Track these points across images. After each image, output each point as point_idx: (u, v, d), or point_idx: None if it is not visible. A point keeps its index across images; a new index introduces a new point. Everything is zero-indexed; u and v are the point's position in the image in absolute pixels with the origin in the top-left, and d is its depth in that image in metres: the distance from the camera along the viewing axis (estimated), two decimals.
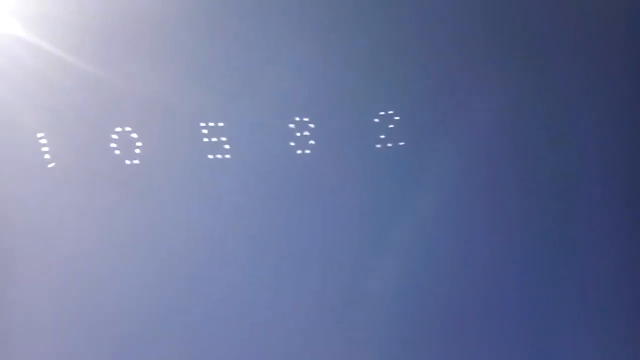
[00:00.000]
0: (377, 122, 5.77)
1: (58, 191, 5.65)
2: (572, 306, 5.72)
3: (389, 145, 5.79)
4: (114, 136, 5.68)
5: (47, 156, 5.63)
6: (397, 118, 5.77)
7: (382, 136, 5.77)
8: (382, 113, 5.77)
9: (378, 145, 5.79)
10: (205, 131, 5.71)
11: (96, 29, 5.61)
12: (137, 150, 5.71)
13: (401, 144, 5.79)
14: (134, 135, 5.71)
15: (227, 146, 5.73)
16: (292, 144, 5.76)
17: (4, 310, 5.58)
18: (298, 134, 5.75)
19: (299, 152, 5.77)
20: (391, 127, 5.77)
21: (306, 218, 5.75)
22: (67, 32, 5.57)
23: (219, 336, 5.76)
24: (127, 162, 5.71)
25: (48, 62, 5.53)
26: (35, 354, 5.57)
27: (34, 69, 5.53)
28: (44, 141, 5.62)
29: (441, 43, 5.82)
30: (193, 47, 5.68)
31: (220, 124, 5.72)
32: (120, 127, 5.69)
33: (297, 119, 5.74)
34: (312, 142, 5.77)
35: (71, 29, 5.51)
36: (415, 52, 5.79)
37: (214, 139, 5.72)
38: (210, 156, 5.74)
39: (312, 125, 5.76)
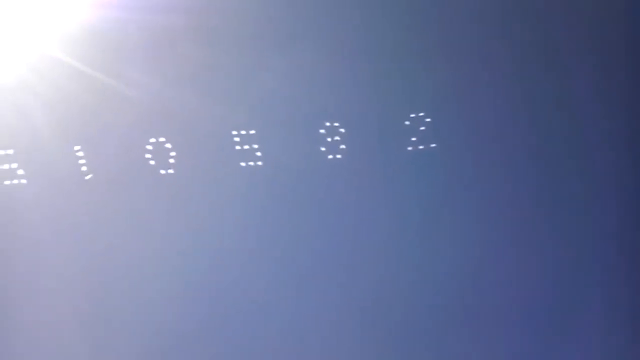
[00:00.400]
0: (408, 125, 5.77)
1: (95, 202, 5.76)
2: (576, 307, 5.65)
3: (421, 147, 5.77)
4: (149, 147, 5.78)
5: (84, 168, 5.75)
6: (428, 120, 5.76)
7: (414, 138, 5.77)
8: (413, 115, 5.76)
9: (409, 148, 5.79)
10: (237, 139, 5.78)
11: (127, 44, 5.73)
12: (172, 160, 5.80)
13: (432, 145, 5.78)
14: (168, 146, 5.80)
15: (258, 153, 5.78)
16: (323, 149, 5.79)
17: (30, 316, 5.69)
18: (329, 139, 5.78)
19: (330, 157, 5.79)
20: (422, 130, 5.76)
21: (338, 222, 5.76)
22: (99, 50, 5.70)
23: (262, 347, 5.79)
24: (162, 171, 5.80)
25: (82, 79, 5.67)
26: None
27: (69, 86, 5.67)
28: (80, 154, 5.74)
29: (472, 44, 5.80)
30: (223, 57, 5.76)
31: (252, 132, 5.78)
32: (155, 138, 5.79)
33: (328, 124, 5.77)
34: (343, 146, 5.79)
35: (102, 45, 5.65)
36: (445, 53, 5.78)
37: (246, 147, 5.78)
38: (243, 163, 5.80)
39: (342, 130, 5.78)
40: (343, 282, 5.80)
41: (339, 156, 5.78)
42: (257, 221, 5.79)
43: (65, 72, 5.63)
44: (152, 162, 5.79)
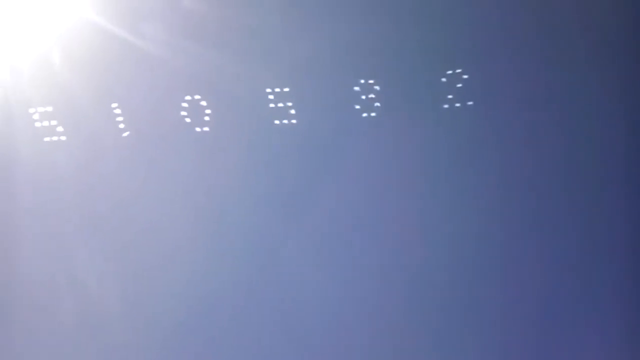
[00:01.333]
0: (444, 82, 5.63)
1: (132, 159, 5.84)
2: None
3: (457, 105, 5.63)
4: (184, 104, 5.81)
5: (121, 125, 5.83)
6: (465, 77, 5.60)
7: (450, 96, 5.62)
8: (450, 72, 5.61)
9: (446, 106, 5.64)
10: (271, 97, 5.75)
11: (162, 7, 5.76)
12: (207, 118, 5.82)
13: (469, 103, 5.62)
14: (203, 103, 5.81)
15: (292, 111, 5.74)
16: (358, 107, 5.70)
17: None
18: (363, 97, 5.69)
19: (364, 115, 5.70)
20: (459, 87, 5.61)
21: (372, 183, 5.68)
22: (134, 11, 5.75)
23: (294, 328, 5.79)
24: (198, 129, 5.83)
25: (118, 40, 5.73)
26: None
27: (104, 47, 5.74)
28: (118, 111, 5.82)
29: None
30: (256, 16, 5.73)
31: (286, 89, 5.74)
32: (190, 95, 5.81)
33: (362, 81, 5.67)
34: (377, 104, 5.69)
35: (136, 6, 5.69)
36: (484, 7, 5.60)
37: (280, 105, 5.75)
38: (277, 121, 5.77)
39: (377, 88, 5.68)
40: (380, 245, 5.73)
41: (373, 114, 5.69)
42: (291, 180, 5.76)
43: (100, 32, 5.70)
44: (187, 120, 5.82)
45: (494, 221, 5.52)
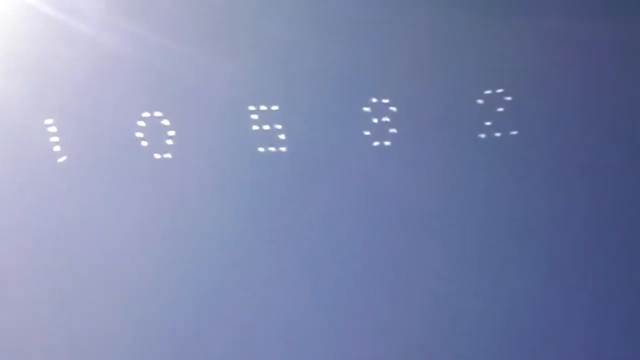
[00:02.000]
0: (481, 104, 4.32)
1: (69, 191, 4.45)
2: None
3: (497, 134, 4.31)
4: (141, 123, 4.45)
5: (56, 148, 4.44)
6: (508, 99, 4.30)
7: (488, 123, 4.31)
8: (488, 92, 4.31)
9: (482, 135, 4.33)
10: (254, 117, 4.40)
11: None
12: (169, 142, 4.45)
13: (513, 133, 4.31)
14: (166, 123, 4.45)
15: (282, 136, 4.39)
16: (367, 133, 4.37)
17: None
18: (375, 120, 4.36)
19: (376, 144, 4.37)
20: (500, 111, 4.30)
21: (383, 231, 4.35)
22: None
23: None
24: (157, 155, 4.46)
25: (55, 33, 4.37)
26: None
27: (41, 44, 4.38)
28: (53, 129, 4.43)
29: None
30: (237, 14, 4.41)
31: (274, 108, 4.40)
32: (149, 111, 4.45)
33: (374, 100, 4.35)
34: (393, 130, 4.36)
35: None
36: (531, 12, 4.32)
37: (266, 127, 4.40)
38: (261, 149, 4.42)
39: (393, 109, 4.35)
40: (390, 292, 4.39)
41: (387, 143, 4.36)
42: (276, 226, 4.40)
43: (33, 22, 4.34)
44: (144, 143, 4.45)
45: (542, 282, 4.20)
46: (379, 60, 4.32)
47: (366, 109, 4.36)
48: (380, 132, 4.35)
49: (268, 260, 4.43)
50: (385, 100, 4.35)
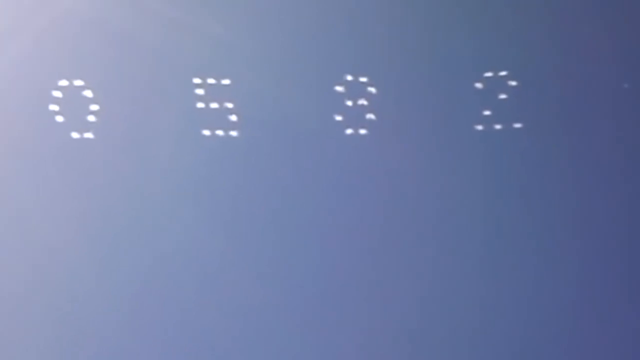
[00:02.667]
0: (479, 89, 3.52)
1: None
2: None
3: (497, 127, 3.52)
4: (56, 93, 3.54)
5: None
6: (513, 83, 3.50)
7: (487, 112, 3.52)
8: (489, 74, 3.51)
9: (479, 127, 3.53)
10: (199, 91, 3.54)
11: None
12: (91, 118, 3.56)
13: (517, 126, 3.52)
14: (88, 94, 3.56)
15: (233, 117, 3.54)
16: (339, 118, 3.54)
17: None
18: (349, 103, 3.53)
19: (349, 131, 3.54)
20: (502, 98, 3.51)
21: (353, 235, 3.51)
22: None
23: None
24: (75, 134, 3.56)
25: None
26: None
27: None
28: None
29: None
30: None
31: (225, 82, 3.54)
32: (67, 79, 3.55)
33: (349, 77, 3.52)
34: (371, 116, 3.53)
35: None
36: None
37: (214, 105, 3.54)
38: (207, 132, 3.55)
39: (372, 90, 3.53)
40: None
41: (362, 131, 3.53)
42: (221, 226, 3.54)
43: None
44: (59, 119, 3.55)
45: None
46: (356, 28, 3.50)
47: (339, 88, 3.52)
48: (355, 117, 3.52)
49: (210, 266, 3.56)
50: (363, 79, 3.52)
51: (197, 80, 3.53)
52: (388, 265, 3.53)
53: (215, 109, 3.53)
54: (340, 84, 3.50)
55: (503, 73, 3.49)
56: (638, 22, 3.52)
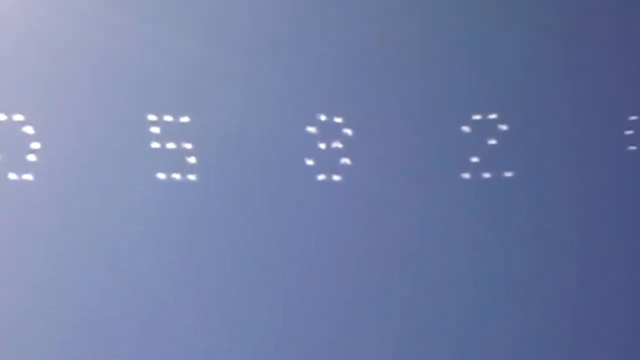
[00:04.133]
0: (467, 133, 3.17)
1: None
2: None
3: (486, 175, 3.17)
4: None
5: None
6: (503, 128, 3.17)
7: (475, 159, 3.17)
8: (477, 117, 3.17)
9: (465, 175, 3.18)
10: (154, 130, 3.15)
11: None
12: (32, 157, 3.15)
13: (508, 174, 3.17)
14: (28, 130, 3.16)
15: (192, 159, 3.15)
16: (310, 162, 3.17)
17: None
18: (322, 146, 3.17)
19: (320, 177, 3.17)
20: (492, 144, 3.17)
21: (325, 293, 3.12)
22: None
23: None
24: (12, 176, 3.15)
25: None
26: None
27: None
28: None
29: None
30: None
31: (184, 119, 3.16)
32: (5, 113, 3.15)
33: (323, 117, 3.16)
34: (345, 161, 3.17)
35: None
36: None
37: (170, 146, 3.16)
38: (161, 175, 3.16)
39: (348, 132, 3.17)
40: None
41: (336, 177, 3.16)
42: (177, 274, 3.13)
43: None
44: None
45: None
46: (333, 63, 3.14)
47: (311, 129, 3.16)
48: (328, 162, 3.14)
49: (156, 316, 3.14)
50: (338, 119, 3.16)
51: (152, 117, 3.15)
52: (359, 319, 3.14)
53: (171, 150, 3.14)
54: (312, 125, 3.14)
55: (493, 116, 3.14)
56: (631, 66, 3.22)
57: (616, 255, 3.18)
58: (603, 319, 3.15)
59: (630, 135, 3.09)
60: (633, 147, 3.09)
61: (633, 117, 3.10)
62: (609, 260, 3.18)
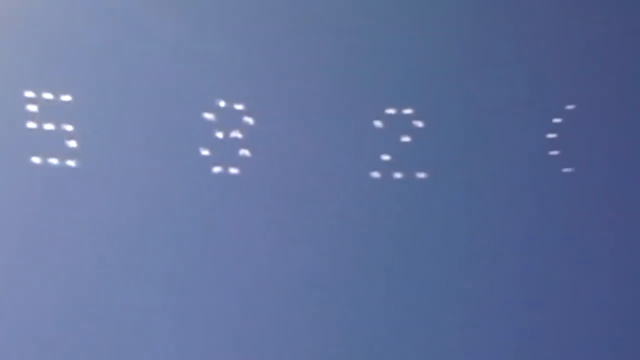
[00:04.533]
0: (379, 129, 2.90)
1: None
2: None
3: (397, 176, 2.91)
4: None
5: None
6: (419, 124, 2.91)
7: (386, 157, 2.91)
8: (391, 112, 2.91)
9: (375, 174, 2.91)
10: (31, 108, 2.81)
11: None
12: None
13: (420, 175, 2.91)
14: None
15: (72, 143, 2.82)
16: (206, 152, 2.86)
17: None
18: (219, 135, 2.86)
19: (216, 169, 2.86)
20: (406, 142, 2.91)
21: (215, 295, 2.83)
22: None
23: None
24: None
25: None
26: None
27: None
28: None
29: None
30: None
31: (65, 98, 2.82)
32: None
33: (222, 103, 2.86)
34: (245, 152, 2.87)
35: None
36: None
37: (49, 127, 2.82)
38: (36, 159, 2.82)
39: (249, 121, 2.87)
40: None
41: (234, 171, 2.86)
42: (45, 267, 2.80)
43: None
44: None
45: None
46: (234, 43, 2.83)
47: (208, 115, 2.85)
48: (225, 152, 2.85)
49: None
50: (239, 107, 2.86)
51: (29, 94, 2.80)
52: (247, 319, 2.86)
53: (49, 131, 2.80)
54: (208, 109, 2.83)
55: (408, 111, 2.88)
56: (557, 63, 2.98)
57: (529, 260, 2.95)
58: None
59: (552, 139, 2.86)
60: (555, 152, 2.86)
61: (557, 120, 2.87)
62: (524, 264, 2.95)
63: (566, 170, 2.85)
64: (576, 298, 2.89)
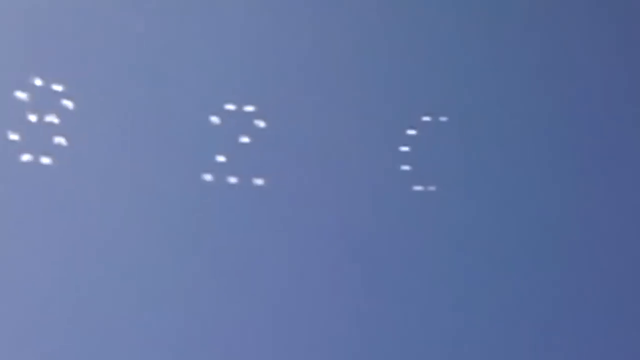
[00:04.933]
0: (217, 125, 2.59)
1: None
2: None
3: (232, 180, 2.59)
4: None
5: None
6: (249, 109, 2.60)
7: (406, 167, 2.58)
8: (232, 107, 2.59)
9: (207, 177, 2.59)
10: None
11: None
12: None
13: (258, 182, 2.60)
14: None
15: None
16: (15, 137, 2.54)
17: None
18: (32, 118, 2.55)
19: (26, 158, 2.54)
20: (244, 142, 2.59)
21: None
22: None
23: None
24: None
25: None
26: None
27: None
28: None
29: None
30: None
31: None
32: None
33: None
34: (60, 140, 2.55)
35: None
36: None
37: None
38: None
39: (68, 104, 2.56)
40: None
41: (45, 160, 2.54)
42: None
43: None
44: None
45: None
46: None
47: (21, 95, 2.53)
48: (37, 139, 2.53)
49: None
50: (57, 87, 2.55)
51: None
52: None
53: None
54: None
55: (249, 108, 2.57)
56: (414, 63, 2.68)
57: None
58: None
59: (404, 153, 2.55)
60: (406, 167, 2.55)
61: (411, 132, 2.56)
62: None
63: (417, 188, 2.55)
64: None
